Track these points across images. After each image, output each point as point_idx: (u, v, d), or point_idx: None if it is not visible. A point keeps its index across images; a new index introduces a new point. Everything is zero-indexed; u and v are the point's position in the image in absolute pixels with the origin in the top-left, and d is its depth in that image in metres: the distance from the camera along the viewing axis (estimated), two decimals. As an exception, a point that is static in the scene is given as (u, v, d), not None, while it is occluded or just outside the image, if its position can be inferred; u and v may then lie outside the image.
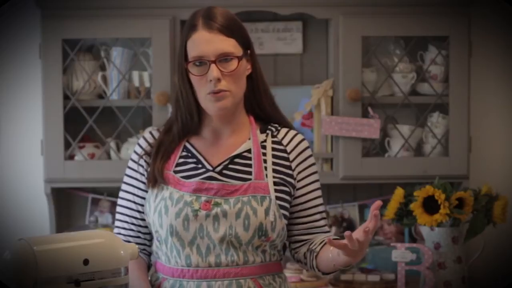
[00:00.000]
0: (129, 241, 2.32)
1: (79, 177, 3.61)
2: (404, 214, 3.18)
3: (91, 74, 3.64)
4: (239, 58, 2.21)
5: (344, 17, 3.60)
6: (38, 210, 3.81)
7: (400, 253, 3.13)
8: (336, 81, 3.63)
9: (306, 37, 3.85)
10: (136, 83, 3.68)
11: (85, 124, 3.63)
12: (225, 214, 2.21)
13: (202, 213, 2.21)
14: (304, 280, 3.56)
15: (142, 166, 2.32)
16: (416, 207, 3.09)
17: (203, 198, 2.23)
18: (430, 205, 3.08)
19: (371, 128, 3.62)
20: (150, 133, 2.37)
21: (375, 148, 3.73)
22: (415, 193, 3.10)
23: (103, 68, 3.68)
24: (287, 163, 2.32)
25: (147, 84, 3.66)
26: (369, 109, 3.64)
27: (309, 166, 2.35)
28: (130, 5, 3.57)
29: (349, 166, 3.63)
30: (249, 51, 2.28)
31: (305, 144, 2.37)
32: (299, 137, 2.37)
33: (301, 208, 2.34)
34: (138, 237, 2.34)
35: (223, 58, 2.19)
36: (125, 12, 3.57)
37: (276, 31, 3.82)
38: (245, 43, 2.26)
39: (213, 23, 2.19)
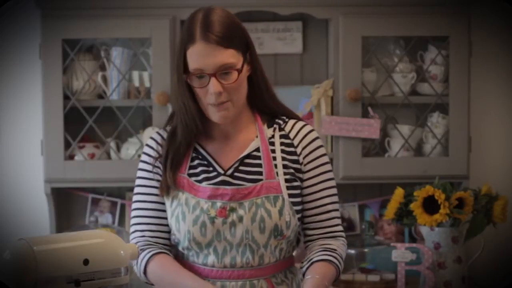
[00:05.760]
0: (158, 242, 2.31)
1: (79, 177, 3.61)
2: (404, 214, 3.18)
3: (91, 74, 3.64)
4: (239, 71, 2.19)
5: (344, 17, 3.60)
6: (38, 210, 3.81)
7: (400, 253, 3.13)
8: (336, 81, 3.62)
9: (306, 37, 3.84)
10: (136, 83, 3.68)
11: (85, 124, 3.63)
12: (241, 219, 2.23)
13: (219, 220, 2.23)
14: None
15: (158, 174, 2.31)
16: (416, 207, 3.09)
17: (219, 204, 2.24)
18: (430, 205, 3.08)
19: (371, 128, 3.62)
20: (158, 133, 2.36)
21: (375, 148, 3.73)
22: (415, 193, 3.11)
23: (103, 68, 3.68)
24: (295, 157, 2.30)
25: (147, 84, 3.66)
26: (369, 109, 3.64)
27: (316, 158, 2.31)
28: (130, 5, 3.57)
29: (349, 166, 3.63)
30: (249, 53, 2.25)
31: (312, 135, 2.33)
32: (307, 128, 2.34)
33: (305, 200, 2.32)
34: (167, 238, 2.33)
35: (223, 71, 2.18)
36: (125, 12, 3.57)
37: (276, 31, 3.82)
38: (245, 47, 2.23)
39: (211, 35, 2.15)
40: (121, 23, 3.57)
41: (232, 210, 2.23)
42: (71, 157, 3.65)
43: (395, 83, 3.69)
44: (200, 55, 2.16)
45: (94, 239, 1.82)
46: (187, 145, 2.30)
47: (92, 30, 3.59)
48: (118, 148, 3.73)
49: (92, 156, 3.68)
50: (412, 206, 3.10)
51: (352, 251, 3.68)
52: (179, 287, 2.23)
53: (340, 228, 2.35)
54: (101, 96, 3.70)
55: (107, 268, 1.80)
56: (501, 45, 3.88)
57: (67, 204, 3.86)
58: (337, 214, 2.34)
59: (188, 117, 2.25)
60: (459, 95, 3.64)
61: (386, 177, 3.67)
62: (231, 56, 2.17)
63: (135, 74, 3.68)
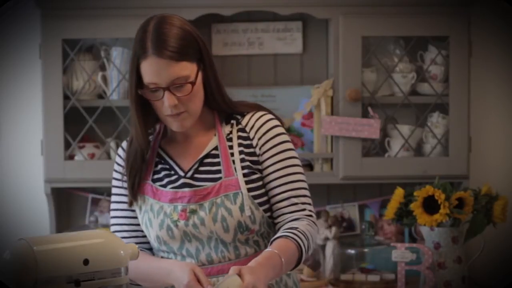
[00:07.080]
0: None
1: (79, 177, 3.61)
2: (404, 214, 3.18)
3: (91, 74, 3.65)
4: (193, 83, 2.17)
5: (344, 17, 3.60)
6: (38, 210, 3.81)
7: (400, 253, 3.13)
8: (336, 81, 3.62)
9: (306, 37, 3.84)
10: (136, 83, 3.67)
11: (85, 124, 3.63)
12: (202, 222, 2.22)
13: (182, 222, 2.23)
14: (304, 280, 3.56)
15: (126, 182, 2.33)
16: (416, 207, 3.09)
17: (179, 207, 2.24)
18: (430, 205, 3.08)
19: (371, 128, 3.62)
20: (127, 141, 2.36)
21: (375, 148, 3.73)
22: (415, 193, 3.10)
23: (103, 68, 3.68)
24: (251, 150, 2.27)
25: (147, 84, 3.66)
26: (369, 109, 3.64)
27: (272, 147, 2.27)
28: (130, 5, 3.57)
29: (349, 166, 3.63)
30: (202, 61, 2.22)
31: (269, 124, 2.28)
32: (263, 118, 2.29)
33: (267, 189, 2.28)
34: (144, 242, 2.34)
35: (176, 84, 2.16)
36: (125, 12, 3.57)
37: (276, 31, 3.82)
38: (198, 56, 2.20)
39: (163, 50, 2.13)
40: (121, 23, 3.57)
41: (193, 212, 2.23)
42: (71, 157, 3.65)
43: (395, 83, 3.69)
44: (152, 70, 2.15)
45: (94, 239, 1.82)
46: (143, 156, 2.29)
47: (92, 30, 3.59)
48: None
49: (92, 156, 3.68)
50: (412, 206, 3.09)
51: (352, 251, 3.68)
52: (154, 270, 2.21)
53: (307, 212, 2.26)
54: (101, 96, 3.70)
55: (107, 268, 1.80)
56: (501, 45, 3.88)
57: (67, 204, 3.86)
58: (299, 200, 2.26)
59: (138, 136, 2.25)
60: (459, 95, 3.64)
61: (386, 177, 3.67)
62: (184, 69, 2.16)
63: (135, 74, 3.67)
